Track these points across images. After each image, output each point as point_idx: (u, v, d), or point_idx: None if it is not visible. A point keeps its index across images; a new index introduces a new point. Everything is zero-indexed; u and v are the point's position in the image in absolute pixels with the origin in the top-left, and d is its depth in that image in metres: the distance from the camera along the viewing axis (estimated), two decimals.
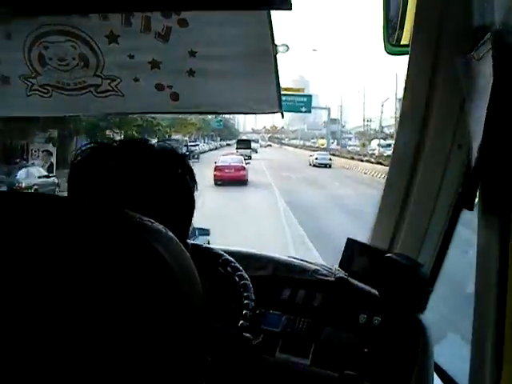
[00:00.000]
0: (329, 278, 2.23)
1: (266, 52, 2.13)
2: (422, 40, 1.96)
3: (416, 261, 2.00)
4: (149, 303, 0.59)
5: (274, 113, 2.33)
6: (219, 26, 2.11)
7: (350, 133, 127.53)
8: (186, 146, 43.70)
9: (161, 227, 0.66)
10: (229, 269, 1.95)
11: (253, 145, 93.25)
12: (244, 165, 30.96)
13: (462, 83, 1.50)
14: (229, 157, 33.51)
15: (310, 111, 69.35)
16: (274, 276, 2.30)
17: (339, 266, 2.26)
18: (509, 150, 1.19)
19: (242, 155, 49.35)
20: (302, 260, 2.36)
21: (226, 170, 29.30)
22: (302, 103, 58.13)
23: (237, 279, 1.92)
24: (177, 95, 2.32)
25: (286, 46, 2.09)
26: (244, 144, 64.21)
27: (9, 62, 2.35)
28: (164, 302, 0.60)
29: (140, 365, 0.57)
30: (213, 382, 0.85)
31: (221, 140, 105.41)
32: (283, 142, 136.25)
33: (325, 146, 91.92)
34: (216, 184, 27.99)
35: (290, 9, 1.60)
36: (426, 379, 1.94)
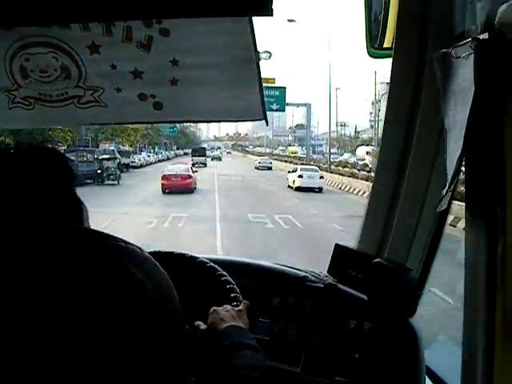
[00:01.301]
0: (318, 285, 2.23)
1: (249, 60, 2.12)
2: (405, 42, 1.96)
3: (404, 265, 2.00)
4: (124, 325, 0.58)
5: (258, 120, 2.33)
6: (201, 35, 2.10)
7: (320, 139, 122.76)
8: (98, 159, 35.75)
9: (136, 248, 0.65)
10: (222, 280, 1.93)
11: (214, 153, 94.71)
12: (191, 173, 31.57)
13: (440, 80, 1.51)
14: (176, 166, 33.99)
15: (283, 109, 61.05)
16: (263, 284, 2.29)
17: (328, 272, 2.26)
18: (491, 148, 1.20)
19: (195, 163, 53.91)
20: (290, 267, 2.36)
21: (173, 179, 29.92)
22: (273, 98, 52.60)
23: (223, 284, 1.91)
24: (160, 104, 2.31)
25: (269, 52, 2.09)
26: (199, 152, 67.08)
27: None
28: (139, 323, 0.59)
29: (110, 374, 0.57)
30: None
31: (178, 149, 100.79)
32: (247, 149, 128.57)
33: (297, 154, 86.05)
34: (164, 192, 29.14)
35: (272, 15, 1.60)
36: (418, 383, 1.93)
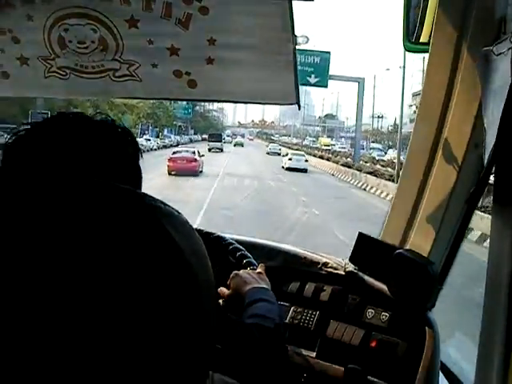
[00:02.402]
0: (338, 272, 2.24)
1: (286, 43, 2.12)
2: (443, 38, 1.94)
3: (427, 258, 1.99)
4: (160, 287, 0.58)
5: (291, 104, 2.33)
6: (240, 16, 2.11)
7: (351, 131, 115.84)
8: None
9: (174, 210, 0.66)
10: (238, 256, 1.96)
11: (237, 139, 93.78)
12: (197, 157, 32.89)
13: (480, 78, 1.50)
14: (183, 149, 36.21)
15: (325, 84, 46.06)
16: (284, 267, 2.30)
17: (349, 260, 2.26)
18: None
19: (211, 148, 58.65)
20: (312, 252, 2.36)
21: (179, 161, 30.98)
22: (312, 67, 41.23)
23: (245, 265, 1.94)
24: (194, 82, 2.32)
25: (306, 37, 2.07)
26: (215, 137, 68.52)
27: (28, 43, 2.36)
28: (175, 287, 0.60)
29: (149, 349, 0.57)
30: (221, 370, 0.85)
31: (195, 133, 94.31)
32: (272, 138, 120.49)
33: (330, 147, 78.88)
34: (170, 174, 30.01)
35: (312, 0, 1.60)
36: (432, 377, 1.93)
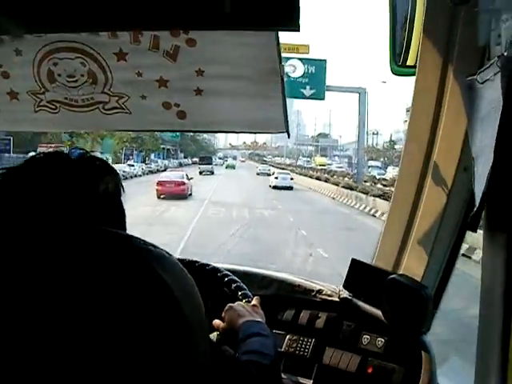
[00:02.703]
0: (333, 299, 2.23)
1: (274, 73, 2.14)
2: (428, 63, 1.97)
3: (420, 283, 2.00)
4: (151, 329, 0.59)
5: (281, 132, 2.34)
6: (227, 47, 2.12)
7: (344, 149, 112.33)
8: None
9: (164, 252, 0.66)
10: (233, 288, 1.95)
11: (228, 162, 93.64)
12: (185, 180, 33.32)
13: (466, 106, 1.51)
14: (171, 173, 36.81)
15: (322, 96, 39.38)
16: (278, 295, 2.30)
17: (343, 287, 2.26)
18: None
19: (202, 171, 59.74)
20: (306, 280, 2.36)
21: (167, 185, 31.44)
22: (306, 78, 34.41)
23: (240, 297, 1.93)
24: (184, 113, 2.33)
25: (294, 66, 2.09)
26: (206, 160, 70.37)
27: (18, 78, 2.37)
28: (167, 329, 0.60)
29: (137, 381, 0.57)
30: None
31: (186, 157, 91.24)
32: (265, 159, 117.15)
33: (325, 166, 75.87)
34: (159, 198, 30.40)
35: (298, 30, 1.61)
36: None
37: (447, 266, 2.04)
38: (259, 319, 1.68)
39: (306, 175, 56.58)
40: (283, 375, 2.07)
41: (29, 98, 2.41)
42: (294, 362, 2.14)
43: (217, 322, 1.68)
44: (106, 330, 0.56)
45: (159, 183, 31.84)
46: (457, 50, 1.84)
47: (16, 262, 0.58)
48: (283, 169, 65.75)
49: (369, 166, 69.41)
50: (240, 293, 1.92)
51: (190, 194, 33.42)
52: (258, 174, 65.57)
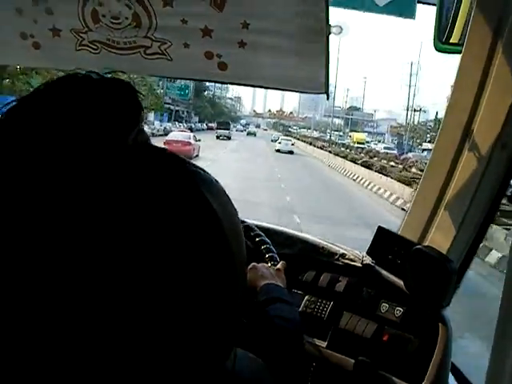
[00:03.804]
0: (355, 264, 2.24)
1: (319, 32, 2.12)
2: (477, 39, 1.94)
3: (445, 255, 1.99)
4: (195, 253, 0.58)
5: (320, 93, 2.33)
6: (274, 2, 2.10)
7: (376, 125, 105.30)
8: None
9: (212, 178, 0.66)
10: (263, 248, 1.96)
11: (250, 129, 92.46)
12: (191, 141, 34.34)
13: None
14: (179, 133, 38.39)
15: (412, 14, 17.55)
16: (300, 255, 2.30)
17: (367, 253, 2.26)
18: None
19: (220, 136, 62.24)
20: (330, 243, 2.36)
21: (174, 144, 31.84)
22: None
23: (267, 260, 1.94)
24: (225, 65, 2.32)
25: (340, 27, 2.05)
26: (224, 125, 70.39)
27: (62, 15, 2.37)
28: (210, 254, 0.60)
29: (180, 318, 0.57)
30: (243, 345, 0.85)
31: (201, 121, 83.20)
32: (290, 130, 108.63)
33: (364, 144, 65.30)
34: None
35: None
36: (442, 375, 1.93)
37: (474, 242, 2.03)
38: (281, 284, 1.69)
39: (344, 157, 42.19)
40: None
41: (71, 36, 2.41)
42: (310, 323, 2.16)
43: None
44: (151, 247, 0.56)
45: (166, 142, 32.35)
46: (508, 29, 1.81)
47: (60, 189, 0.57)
48: (311, 144, 62.12)
49: (423, 150, 60.20)
50: (268, 255, 1.93)
51: (197, 156, 34.08)
52: (277, 150, 53.67)
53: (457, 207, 2.06)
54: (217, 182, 0.66)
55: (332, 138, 77.04)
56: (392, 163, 37.28)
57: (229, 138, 64.67)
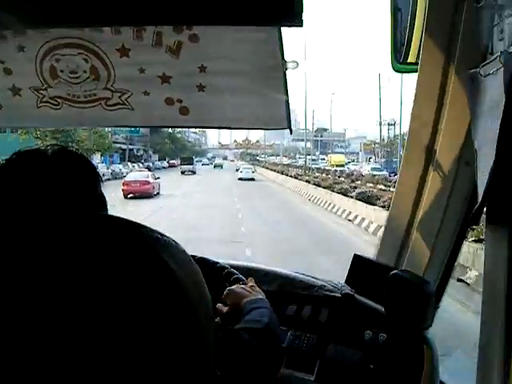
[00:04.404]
0: (335, 294, 2.23)
1: (276, 69, 2.14)
2: (431, 59, 1.97)
3: (422, 278, 2.00)
4: (159, 319, 0.59)
5: (283, 129, 2.35)
6: (230, 42, 2.13)
7: (347, 144, 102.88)
8: None
9: (171, 240, 0.66)
10: (224, 274, 1.97)
11: (216, 161, 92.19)
12: (150, 180, 33.96)
13: (468, 100, 1.51)
14: (137, 173, 37.66)
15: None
16: (280, 291, 2.30)
17: (345, 282, 2.26)
18: None
19: (184, 171, 61.30)
20: (308, 275, 2.36)
21: (133, 185, 32.33)
22: None
23: (227, 276, 1.95)
24: (186, 109, 2.34)
25: (296, 62, 2.08)
26: (187, 161, 69.63)
27: (20, 74, 2.38)
28: (175, 318, 0.60)
29: (144, 377, 0.58)
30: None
31: (162, 159, 79.68)
32: (258, 159, 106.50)
33: (343, 166, 61.52)
34: (126, 197, 30.82)
35: (301, 25, 1.62)
36: None
37: (449, 261, 2.04)
38: (260, 296, 1.73)
39: (327, 187, 31.70)
40: (285, 370, 2.08)
41: (31, 94, 2.42)
42: (296, 358, 2.14)
43: (220, 305, 1.71)
44: (113, 316, 0.56)
45: (125, 183, 32.82)
46: (459, 45, 1.85)
47: (17, 258, 0.59)
48: (283, 173, 55.27)
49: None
50: (232, 278, 1.94)
51: (158, 193, 34.25)
52: (239, 178, 53.94)
53: (428, 228, 2.07)
54: (176, 243, 0.66)
55: (302, 162, 71.99)
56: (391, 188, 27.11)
57: (194, 173, 64.36)
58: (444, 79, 1.95)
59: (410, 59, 2.17)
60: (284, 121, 2.30)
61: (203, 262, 2.01)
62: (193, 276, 0.65)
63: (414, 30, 2.11)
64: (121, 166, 52.62)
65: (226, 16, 1.70)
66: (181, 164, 68.84)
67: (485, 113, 1.41)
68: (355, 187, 27.66)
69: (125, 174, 43.73)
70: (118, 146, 60.13)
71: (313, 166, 60.26)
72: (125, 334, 0.55)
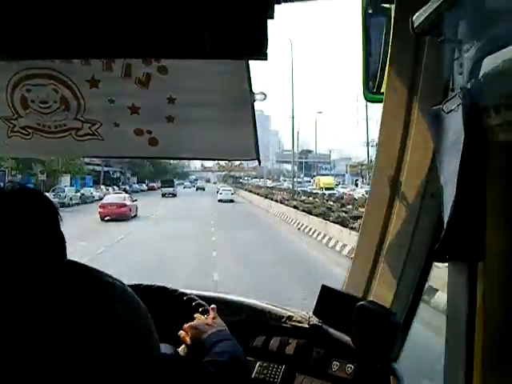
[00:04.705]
0: (303, 325, 2.23)
1: (244, 100, 2.16)
2: (395, 93, 1.99)
3: (388, 309, 2.00)
4: (105, 351, 0.63)
5: (252, 160, 2.37)
6: (198, 74, 2.15)
7: (329, 164, 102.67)
8: None
9: (125, 288, 0.70)
10: (185, 300, 1.98)
11: (198, 184, 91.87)
12: (126, 202, 34.45)
13: (432, 135, 1.54)
14: (113, 196, 38.01)
15: None
16: (248, 322, 2.29)
17: (313, 313, 2.26)
18: (476, 203, 1.23)
19: (165, 194, 61.06)
20: (276, 306, 2.36)
21: (109, 207, 32.51)
22: None
23: (188, 302, 1.96)
24: (156, 140, 2.35)
25: (264, 94, 2.11)
26: (168, 183, 69.20)
27: None
28: (119, 353, 0.64)
29: None
30: None
31: (141, 182, 78.19)
32: (241, 181, 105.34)
33: (333, 189, 58.71)
34: (102, 220, 30.96)
35: (266, 59, 1.64)
36: None
37: (416, 293, 2.05)
38: (220, 328, 1.75)
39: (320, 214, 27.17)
40: None
41: (2, 123, 2.42)
42: None
43: (182, 332, 1.74)
44: (65, 350, 0.60)
45: (101, 206, 33.07)
46: (422, 80, 1.87)
47: None
48: (267, 197, 49.26)
49: None
50: (194, 303, 1.96)
51: (135, 216, 34.34)
52: (219, 200, 53.83)
53: (395, 259, 2.08)
54: (122, 283, 0.70)
55: (288, 185, 67.89)
56: None
57: (174, 196, 63.59)
58: (408, 112, 1.97)
59: (383, 89, 2.18)
60: (252, 152, 2.31)
61: (162, 290, 2.02)
62: (139, 318, 0.68)
63: (387, 60, 2.13)
64: (92, 190, 51.18)
65: (193, 49, 1.72)
66: (161, 187, 68.62)
67: (449, 149, 1.43)
68: (356, 217, 22.50)
69: (96, 198, 44.34)
70: (92, 167, 58.76)
71: (299, 189, 57.08)
72: (73, 350, 0.59)
